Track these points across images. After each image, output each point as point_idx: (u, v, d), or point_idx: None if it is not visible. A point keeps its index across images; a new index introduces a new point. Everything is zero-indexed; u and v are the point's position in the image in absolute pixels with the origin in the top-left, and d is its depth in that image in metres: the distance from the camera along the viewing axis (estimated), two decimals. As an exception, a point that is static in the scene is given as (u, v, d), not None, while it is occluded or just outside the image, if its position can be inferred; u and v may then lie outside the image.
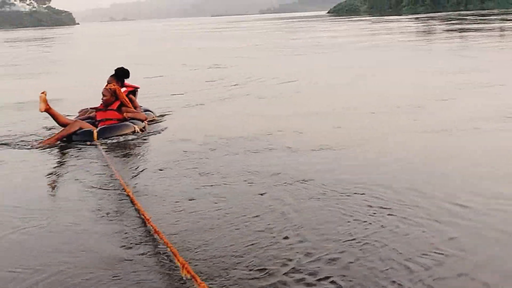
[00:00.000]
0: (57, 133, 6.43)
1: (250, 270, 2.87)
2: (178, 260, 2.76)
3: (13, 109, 9.20)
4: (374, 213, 3.56)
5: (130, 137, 6.47)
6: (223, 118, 7.65)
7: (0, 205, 4.17)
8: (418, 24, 39.85)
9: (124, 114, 6.89)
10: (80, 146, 6.15)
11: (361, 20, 58.53)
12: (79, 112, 7.46)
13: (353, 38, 26.46)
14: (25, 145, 6.29)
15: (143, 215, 3.56)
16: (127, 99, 7.06)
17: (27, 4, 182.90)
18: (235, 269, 2.89)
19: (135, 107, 7.29)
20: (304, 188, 4.19)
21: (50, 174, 5.12)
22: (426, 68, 11.93)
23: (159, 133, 6.74)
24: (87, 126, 6.61)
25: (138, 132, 6.63)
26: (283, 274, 2.81)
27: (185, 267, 2.66)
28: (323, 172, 4.58)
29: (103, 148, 5.92)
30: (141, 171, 4.99)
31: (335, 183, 4.26)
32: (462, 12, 66.82)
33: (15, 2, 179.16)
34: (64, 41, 44.48)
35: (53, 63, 21.02)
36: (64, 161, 5.66)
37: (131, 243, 3.28)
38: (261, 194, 4.10)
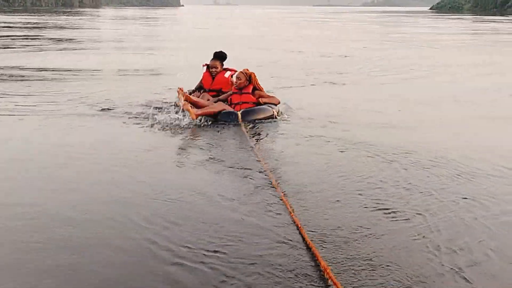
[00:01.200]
0: (204, 109, 6.50)
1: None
2: (321, 264, 2.72)
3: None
4: None
5: (271, 120, 6.51)
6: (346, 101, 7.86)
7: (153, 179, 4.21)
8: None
9: (259, 98, 6.89)
10: (226, 126, 6.24)
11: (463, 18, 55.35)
12: (178, 90, 7.03)
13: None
14: (172, 116, 6.41)
15: (288, 209, 3.52)
16: (259, 84, 7.03)
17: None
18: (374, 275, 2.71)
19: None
20: None
21: (197, 153, 5.14)
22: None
23: (296, 117, 6.70)
24: (229, 108, 6.66)
25: (276, 116, 6.64)
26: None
27: (327, 272, 2.62)
28: None
29: (247, 131, 5.98)
30: (285, 157, 4.91)
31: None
32: None
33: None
34: (170, 21, 46.50)
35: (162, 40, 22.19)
36: (213, 142, 5.67)
37: (273, 239, 3.13)
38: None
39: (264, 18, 54.75)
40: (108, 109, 7.12)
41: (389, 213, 3.52)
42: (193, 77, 8.11)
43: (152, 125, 6.17)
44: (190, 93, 7.08)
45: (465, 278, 2.71)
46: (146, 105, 7.30)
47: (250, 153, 5.10)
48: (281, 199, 3.71)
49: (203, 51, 12.65)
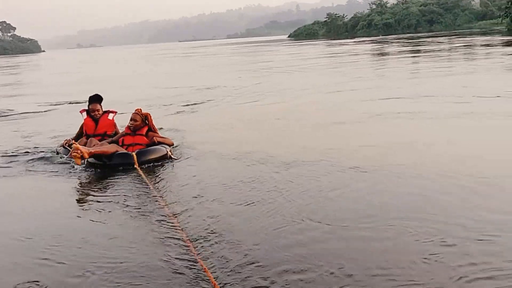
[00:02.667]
0: (94, 149, 6.24)
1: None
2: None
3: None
4: None
5: (166, 160, 6.47)
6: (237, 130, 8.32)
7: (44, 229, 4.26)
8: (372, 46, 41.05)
9: (154, 138, 6.75)
10: (120, 169, 6.14)
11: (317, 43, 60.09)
12: (64, 144, 7.08)
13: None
14: (60, 159, 6.47)
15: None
16: (154, 125, 6.95)
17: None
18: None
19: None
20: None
21: (92, 199, 5.15)
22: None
23: (188, 157, 6.73)
24: (122, 150, 6.47)
25: (170, 156, 6.54)
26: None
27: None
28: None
29: (143, 173, 5.90)
30: (182, 194, 5.08)
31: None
32: (412, 35, 69.13)
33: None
34: (23, 69, 44.35)
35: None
36: (107, 184, 5.66)
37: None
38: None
39: (129, 57, 54.41)
40: None
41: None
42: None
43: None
44: (71, 141, 6.78)
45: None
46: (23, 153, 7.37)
47: (148, 192, 5.20)
48: (187, 245, 3.79)
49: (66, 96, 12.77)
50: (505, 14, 60.69)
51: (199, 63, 33.98)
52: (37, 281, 3.38)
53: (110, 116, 7.14)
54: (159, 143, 6.73)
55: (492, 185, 4.88)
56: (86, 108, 7.29)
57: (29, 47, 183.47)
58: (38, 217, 4.73)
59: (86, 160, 6.24)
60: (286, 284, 3.18)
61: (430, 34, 66.89)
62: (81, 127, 7.28)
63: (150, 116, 6.89)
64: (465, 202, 4.46)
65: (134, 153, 6.31)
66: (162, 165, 6.34)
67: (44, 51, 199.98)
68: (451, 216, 4.14)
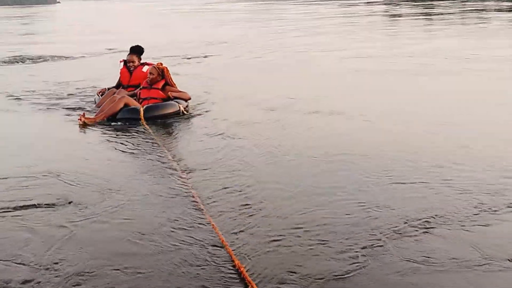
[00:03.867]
0: (105, 111, 6.29)
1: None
2: (235, 263, 2.80)
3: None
4: None
5: (176, 117, 6.32)
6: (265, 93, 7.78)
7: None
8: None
9: (169, 93, 6.63)
10: (127, 124, 6.06)
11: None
12: (98, 93, 7.30)
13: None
14: (71, 120, 6.38)
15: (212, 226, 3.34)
16: (172, 80, 6.83)
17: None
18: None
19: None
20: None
21: (97, 156, 5.04)
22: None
23: (203, 114, 6.61)
24: (133, 103, 6.40)
25: (182, 112, 6.44)
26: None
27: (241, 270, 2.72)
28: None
29: (149, 127, 5.82)
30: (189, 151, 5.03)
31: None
32: None
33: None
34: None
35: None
36: (113, 141, 5.55)
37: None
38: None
39: (146, 10, 53.58)
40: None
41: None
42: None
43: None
44: (107, 91, 7.10)
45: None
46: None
47: (156, 148, 5.12)
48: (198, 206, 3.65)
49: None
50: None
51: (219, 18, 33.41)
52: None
53: (145, 68, 7.01)
54: (175, 98, 6.60)
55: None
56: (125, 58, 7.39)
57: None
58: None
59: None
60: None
61: None
62: (119, 77, 7.39)
63: (168, 70, 6.77)
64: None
65: (141, 108, 6.20)
66: (172, 121, 6.20)
67: (59, 2, 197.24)
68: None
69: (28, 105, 7.42)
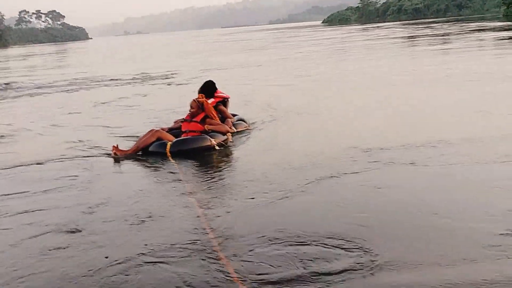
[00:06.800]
0: (137, 144, 6.41)
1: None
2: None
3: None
4: None
5: (209, 151, 6.24)
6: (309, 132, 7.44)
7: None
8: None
9: (206, 126, 6.59)
10: (154, 158, 6.14)
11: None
12: (174, 122, 7.29)
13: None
14: (103, 154, 6.41)
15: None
16: (214, 112, 6.77)
17: (43, 21, 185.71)
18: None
19: (226, 118, 7.06)
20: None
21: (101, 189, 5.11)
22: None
23: (238, 148, 6.41)
24: (166, 137, 6.41)
25: (215, 146, 6.29)
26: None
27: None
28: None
29: (175, 162, 5.81)
30: (209, 188, 4.88)
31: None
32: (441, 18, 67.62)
33: (31, 20, 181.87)
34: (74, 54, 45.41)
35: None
36: (131, 174, 5.70)
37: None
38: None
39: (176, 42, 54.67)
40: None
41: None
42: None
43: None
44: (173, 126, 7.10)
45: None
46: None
47: (178, 184, 5.06)
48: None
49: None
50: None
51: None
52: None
53: (210, 101, 6.99)
54: (212, 131, 6.55)
55: None
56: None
57: (77, 34, 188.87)
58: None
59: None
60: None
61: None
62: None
63: (207, 103, 6.72)
64: None
65: (169, 143, 6.20)
66: (203, 155, 6.14)
67: (91, 38, 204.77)
68: None
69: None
